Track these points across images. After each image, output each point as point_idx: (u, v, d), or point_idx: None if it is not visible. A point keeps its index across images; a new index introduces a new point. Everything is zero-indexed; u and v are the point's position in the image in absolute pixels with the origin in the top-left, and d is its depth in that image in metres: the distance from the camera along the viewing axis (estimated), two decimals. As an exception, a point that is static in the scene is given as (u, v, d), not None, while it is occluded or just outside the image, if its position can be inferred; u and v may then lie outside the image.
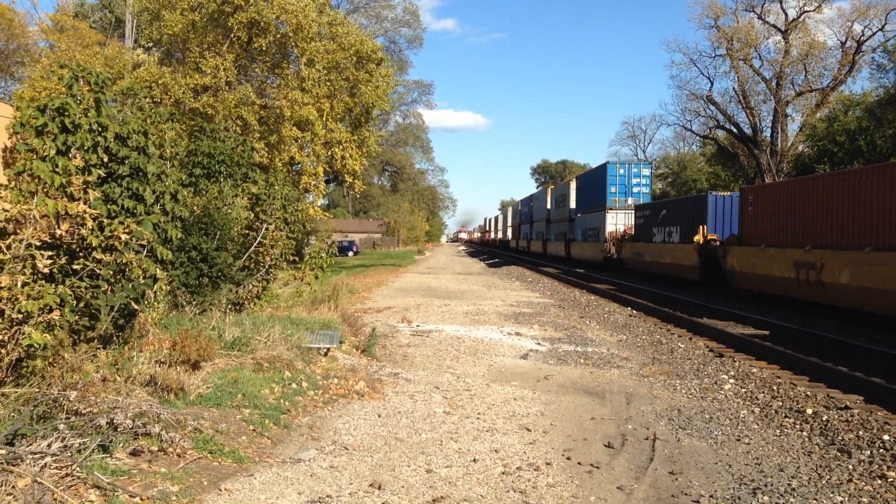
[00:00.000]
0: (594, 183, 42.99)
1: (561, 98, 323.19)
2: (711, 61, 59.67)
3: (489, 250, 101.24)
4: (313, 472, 6.26)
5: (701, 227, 26.23)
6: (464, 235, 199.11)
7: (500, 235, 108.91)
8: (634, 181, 39.97)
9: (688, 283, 28.00)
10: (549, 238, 57.33)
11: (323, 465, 6.45)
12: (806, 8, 53.78)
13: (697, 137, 67.71)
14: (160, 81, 25.35)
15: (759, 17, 55.88)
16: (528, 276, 37.82)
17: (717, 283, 25.09)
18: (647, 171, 41.58)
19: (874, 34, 51.27)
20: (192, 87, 26.05)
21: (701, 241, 25.89)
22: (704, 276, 25.88)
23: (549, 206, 58.02)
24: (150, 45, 30.12)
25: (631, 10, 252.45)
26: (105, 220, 7.44)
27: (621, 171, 40.16)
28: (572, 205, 48.84)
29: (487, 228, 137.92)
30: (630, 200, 39.14)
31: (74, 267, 7.17)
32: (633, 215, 36.35)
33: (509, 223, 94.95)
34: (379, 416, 8.32)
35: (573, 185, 49.80)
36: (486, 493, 5.98)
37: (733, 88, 58.13)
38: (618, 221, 38.92)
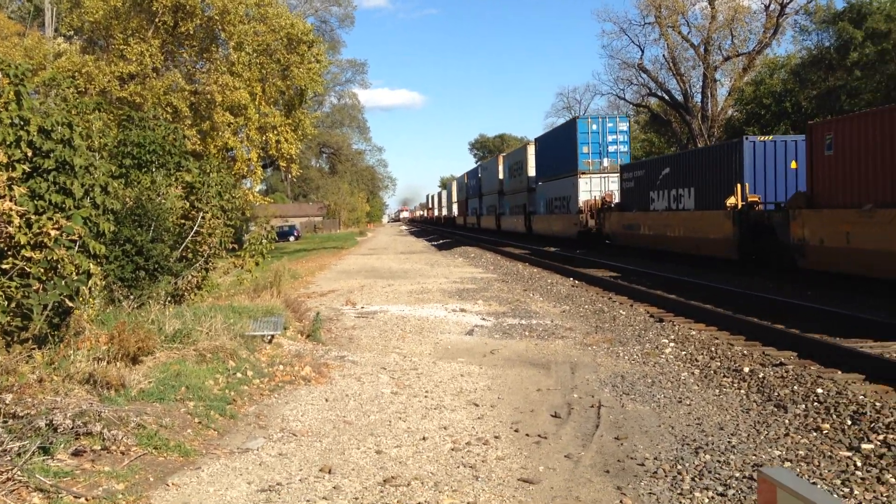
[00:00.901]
0: (560, 144, 37.17)
1: (496, 72, 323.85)
2: (641, 29, 60.28)
3: (434, 228, 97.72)
4: (262, 460, 6.22)
5: (738, 186, 20.04)
6: (405, 214, 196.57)
7: (444, 212, 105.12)
8: (610, 138, 34.31)
9: (716, 262, 21.58)
10: (504, 212, 52.40)
11: (272, 453, 6.41)
12: (730, -27, 54.62)
13: (631, 106, 68.52)
14: (84, 70, 24.64)
15: (686, -16, 56.59)
16: (481, 255, 35.37)
17: (766, 263, 19.26)
18: (624, 126, 35.26)
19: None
20: (118, 75, 25.38)
21: (738, 206, 19.88)
22: (746, 254, 19.92)
23: (501, 177, 53.21)
24: (72, 33, 29.25)
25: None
26: (33, 217, 7.24)
27: (594, 126, 34.33)
28: (531, 172, 43.31)
29: (430, 205, 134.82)
30: (606, 162, 34.00)
31: (3, 266, 6.96)
32: (619, 178, 30.98)
33: (454, 198, 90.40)
34: (326, 400, 8.29)
35: (531, 150, 43.78)
36: (436, 470, 6.02)
37: (663, 56, 58.90)
38: (593, 188, 33.66)
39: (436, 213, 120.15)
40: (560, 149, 36.86)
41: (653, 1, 56.39)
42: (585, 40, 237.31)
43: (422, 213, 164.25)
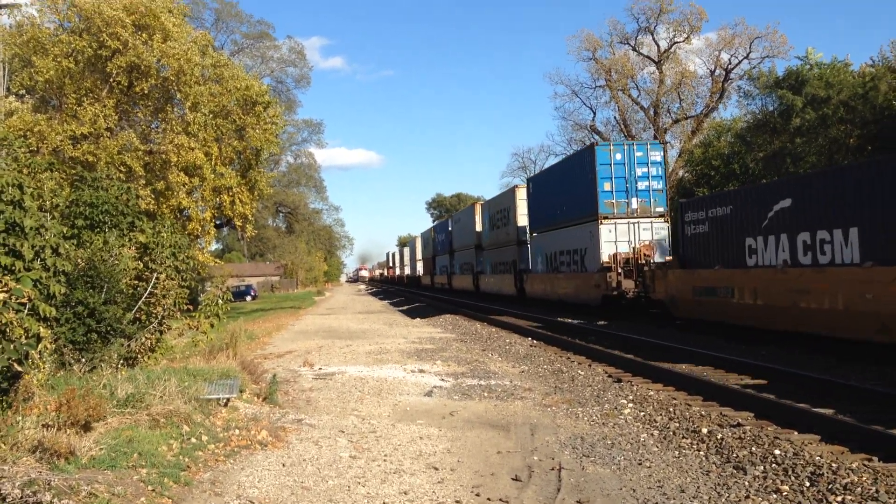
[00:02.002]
0: (569, 182, 29.55)
1: (452, 132, 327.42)
2: (592, 92, 61.67)
3: (395, 289, 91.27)
4: (217, 529, 6.04)
5: None
6: (364, 273, 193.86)
7: (406, 271, 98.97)
8: (640, 171, 26.48)
9: None
10: (483, 270, 45.03)
11: (227, 522, 6.23)
12: (676, 39, 56.52)
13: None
14: (35, 129, 24.33)
15: (634, 49, 58.40)
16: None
17: None
18: (657, 156, 27.11)
19: (740, 62, 54.09)
20: (71, 135, 25.13)
21: None
22: None
23: (479, 228, 45.79)
24: (24, 92, 28.97)
25: (516, 45, 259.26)
26: (-19, 280, 7.06)
27: (617, 156, 26.55)
28: (521, 221, 36.45)
29: (391, 264, 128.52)
30: (635, 203, 26.38)
31: (-51, 331, 6.76)
32: (679, 221, 21.89)
33: (419, 255, 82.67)
34: (283, 465, 8.12)
35: (521, 195, 36.71)
36: (397, 537, 5.90)
37: (615, 117, 60.37)
38: (619, 237, 26.02)
39: (397, 271, 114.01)
40: (568, 188, 29.51)
41: (602, 65, 58.02)
42: (539, 102, 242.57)
43: (381, 272, 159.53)
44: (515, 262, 37.41)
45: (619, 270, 24.79)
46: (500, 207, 40.91)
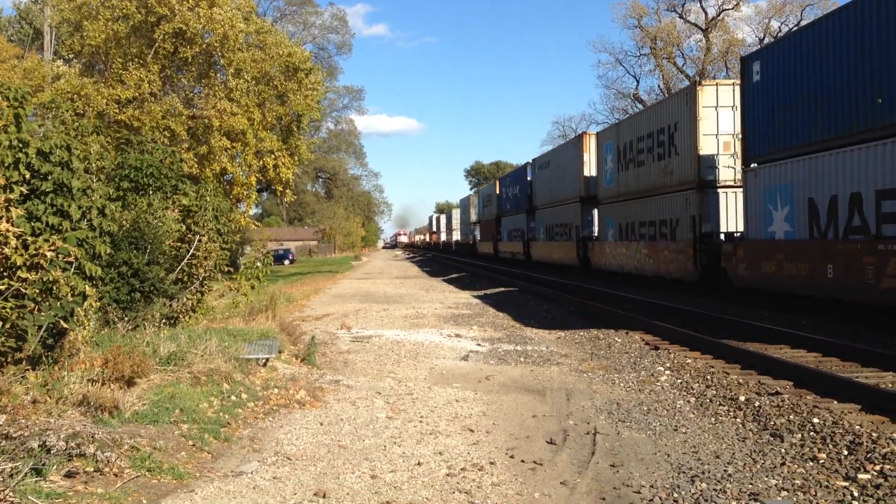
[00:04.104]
0: None
1: (493, 100, 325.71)
2: (637, 60, 60.99)
3: (443, 258, 72.33)
4: (256, 484, 6.18)
5: None
6: (403, 238, 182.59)
7: (455, 237, 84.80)
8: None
9: None
10: (597, 235, 31.52)
11: (266, 477, 6.37)
12: (725, 6, 55.41)
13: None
14: (82, 93, 24.70)
15: (681, 17, 57.42)
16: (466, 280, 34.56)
17: None
18: None
19: (791, 30, 52.92)
20: (116, 98, 25.46)
21: None
22: None
23: (590, 171, 32.27)
24: (71, 56, 29.37)
25: (558, 11, 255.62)
26: (29, 238, 7.24)
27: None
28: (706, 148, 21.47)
29: (435, 229, 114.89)
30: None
31: (-1, 287, 6.95)
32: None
33: (473, 217, 68.38)
34: (321, 424, 8.26)
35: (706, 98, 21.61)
36: (431, 495, 5.99)
37: (658, 86, 59.53)
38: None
39: (443, 237, 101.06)
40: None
41: (648, 33, 57.14)
42: (582, 70, 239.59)
43: (423, 237, 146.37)
44: (692, 219, 21.47)
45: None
46: (653, 129, 25.10)
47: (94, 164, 10.88)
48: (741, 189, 19.79)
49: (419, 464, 6.81)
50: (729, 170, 21.50)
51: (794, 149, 16.68)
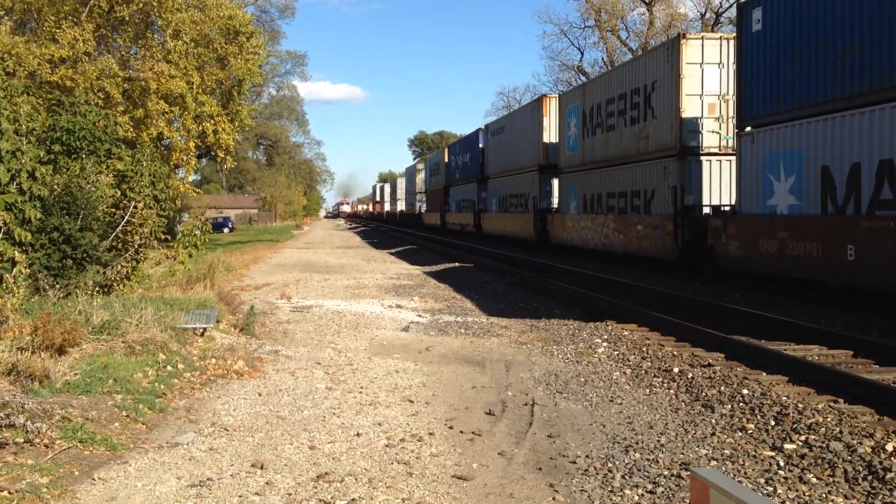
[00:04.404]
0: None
1: (438, 69, 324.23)
2: (581, 32, 61.39)
3: (386, 229, 71.15)
4: (192, 455, 6.10)
5: None
6: (346, 208, 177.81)
7: (399, 207, 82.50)
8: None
9: None
10: (556, 207, 30.01)
11: (202, 448, 6.29)
12: (667, -21, 55.81)
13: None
14: (13, 52, 23.80)
15: (625, -11, 57.63)
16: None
17: None
18: None
19: (731, 6, 53.67)
20: (49, 58, 24.60)
21: None
22: None
23: (549, 138, 30.10)
24: (2, 14, 28.24)
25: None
26: (-45, 202, 6.98)
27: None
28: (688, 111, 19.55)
29: (378, 198, 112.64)
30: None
31: (-78, 252, 6.69)
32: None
33: (419, 187, 66.57)
34: (259, 394, 8.18)
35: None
36: (370, 466, 5.99)
37: (602, 59, 59.93)
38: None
39: (387, 207, 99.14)
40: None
41: (593, 5, 57.37)
42: (527, 41, 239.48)
43: (366, 206, 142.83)
44: (673, 190, 19.68)
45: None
46: (626, 89, 22.95)
47: (24, 126, 10.49)
48: (728, 157, 18.70)
49: (358, 434, 6.81)
50: (713, 135, 19.53)
51: (804, 108, 14.44)
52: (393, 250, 37.80)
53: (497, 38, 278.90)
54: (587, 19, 59.03)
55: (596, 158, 25.15)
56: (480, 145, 40.74)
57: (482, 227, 40.27)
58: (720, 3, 54.18)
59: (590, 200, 25.58)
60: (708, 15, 54.68)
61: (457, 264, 26.55)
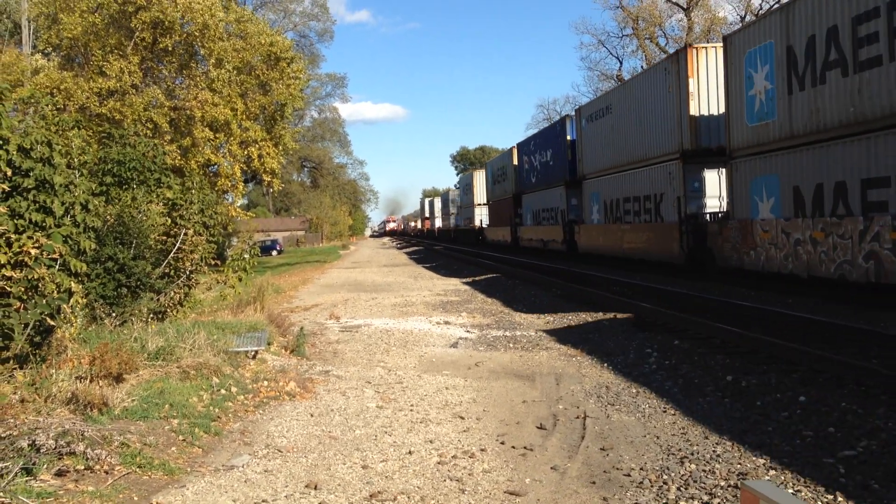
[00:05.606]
0: None
1: (477, 85, 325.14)
2: (619, 41, 61.35)
3: (443, 249, 56.07)
4: (247, 477, 6.19)
5: None
6: (392, 226, 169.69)
7: (453, 222, 73.47)
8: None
9: None
10: (743, 211, 18.08)
11: (257, 470, 6.38)
12: (706, -15, 55.25)
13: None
14: (62, 87, 24.53)
15: (662, -4, 57.29)
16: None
17: None
18: None
19: (772, 7, 53.00)
20: (97, 91, 25.27)
21: None
22: None
23: (696, 109, 20.57)
24: (50, 50, 29.12)
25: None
26: (13, 236, 7.20)
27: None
28: None
29: (427, 214, 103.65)
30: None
31: (-17, 286, 6.91)
32: None
33: (478, 198, 57.92)
34: (311, 415, 8.26)
35: None
36: (422, 484, 6.01)
37: (641, 67, 59.46)
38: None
39: (438, 223, 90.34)
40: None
41: (630, 13, 57.12)
42: (565, 52, 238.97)
43: (414, 224, 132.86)
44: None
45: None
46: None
47: (76, 159, 10.78)
48: None
49: (410, 452, 6.83)
50: None
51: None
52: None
53: (535, 50, 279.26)
54: (624, 28, 58.91)
55: (824, 123, 15.05)
56: (569, 137, 31.97)
57: (577, 244, 31.10)
58: (759, 5, 53.50)
59: (812, 198, 15.45)
60: (748, 18, 53.97)
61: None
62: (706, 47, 21.04)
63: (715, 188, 20.95)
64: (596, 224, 28.72)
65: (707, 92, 20.64)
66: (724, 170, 19.73)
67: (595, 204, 28.95)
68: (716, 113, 20.44)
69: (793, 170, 16.12)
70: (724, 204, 20.16)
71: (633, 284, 20.06)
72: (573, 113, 32.34)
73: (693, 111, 20.66)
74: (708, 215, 20.72)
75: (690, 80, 20.68)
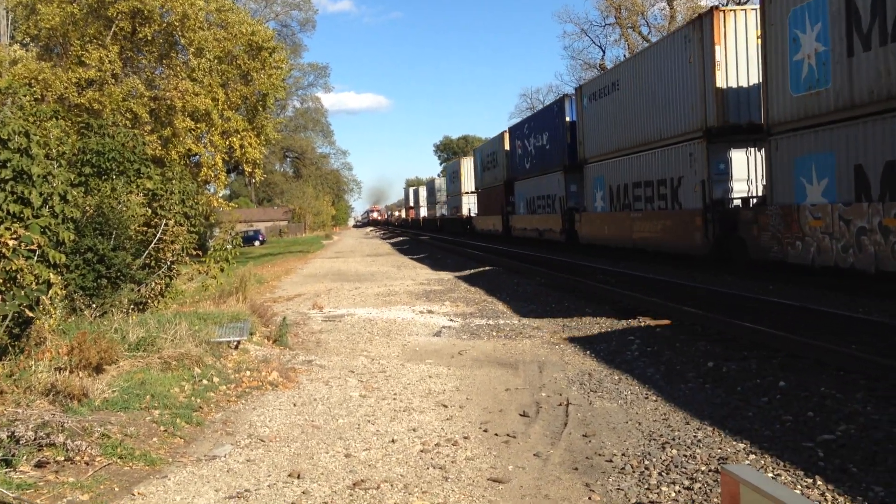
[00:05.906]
0: None
1: (460, 75, 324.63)
2: (602, 30, 61.27)
3: (430, 239, 54.71)
4: (230, 467, 6.17)
5: None
6: (376, 216, 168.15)
7: (440, 211, 72.36)
8: None
9: None
10: (786, 195, 15.64)
11: (239, 460, 6.36)
12: (688, -26, 55.24)
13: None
14: (40, 77, 24.21)
15: (644, -16, 57.33)
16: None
17: None
18: None
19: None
20: (76, 81, 25.00)
21: None
22: None
23: (723, 81, 18.20)
24: (28, 40, 28.75)
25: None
26: (-10, 227, 7.12)
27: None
28: None
29: (412, 203, 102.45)
30: None
31: (-40, 278, 6.83)
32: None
33: (466, 186, 56.40)
34: (294, 405, 8.25)
35: None
36: (405, 472, 6.02)
37: (624, 56, 59.52)
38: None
39: (423, 212, 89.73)
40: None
41: (612, 2, 57.08)
42: (547, 42, 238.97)
43: (398, 213, 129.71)
44: None
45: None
46: None
47: (54, 150, 10.66)
48: None
49: (393, 441, 6.83)
50: None
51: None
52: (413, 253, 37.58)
53: (518, 40, 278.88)
54: (607, 17, 58.89)
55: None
56: (568, 119, 29.74)
57: (578, 234, 28.97)
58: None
59: (880, 178, 13.09)
60: (730, 6, 54.21)
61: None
62: (735, 9, 18.72)
63: (743, 170, 18.68)
64: (600, 212, 26.33)
65: (735, 61, 18.35)
66: (754, 149, 17.99)
67: (599, 190, 26.61)
68: (745, 85, 18.27)
69: (854, 145, 13.60)
70: (755, 188, 18.29)
71: (648, 279, 18.10)
72: (574, 91, 30.26)
73: (720, 83, 18.26)
74: (738, 201, 18.47)
75: (717, 48, 18.21)
